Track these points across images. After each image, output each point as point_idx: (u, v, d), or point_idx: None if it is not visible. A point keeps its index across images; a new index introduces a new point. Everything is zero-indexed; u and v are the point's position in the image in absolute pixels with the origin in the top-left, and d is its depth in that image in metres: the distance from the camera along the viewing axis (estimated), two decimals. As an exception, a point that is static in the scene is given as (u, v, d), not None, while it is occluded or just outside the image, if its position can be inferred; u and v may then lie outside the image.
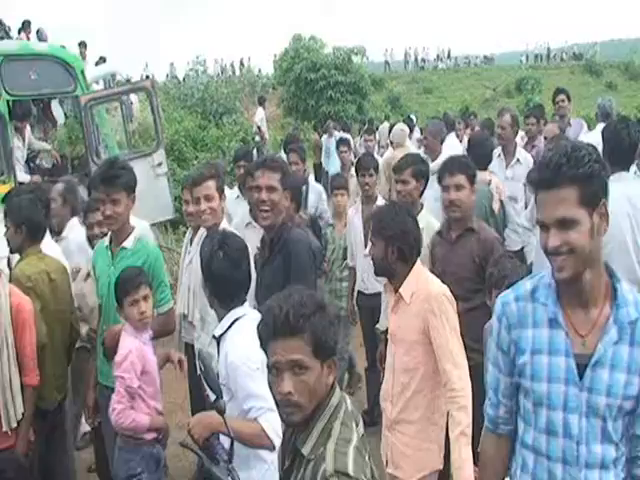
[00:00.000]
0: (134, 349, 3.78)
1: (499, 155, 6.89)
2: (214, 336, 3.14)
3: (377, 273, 3.65)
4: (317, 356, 2.11)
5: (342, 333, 5.93)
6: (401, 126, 9.98)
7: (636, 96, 31.45)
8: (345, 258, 6.23)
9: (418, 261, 3.55)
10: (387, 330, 3.79)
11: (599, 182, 2.14)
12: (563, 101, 8.50)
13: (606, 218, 2.16)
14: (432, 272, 4.33)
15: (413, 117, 19.42)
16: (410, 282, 3.46)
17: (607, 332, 2.19)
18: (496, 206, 5.47)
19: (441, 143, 7.26)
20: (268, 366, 2.15)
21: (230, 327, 3.07)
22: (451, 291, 3.59)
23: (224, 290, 3.11)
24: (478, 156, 5.69)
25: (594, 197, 2.13)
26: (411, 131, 13.52)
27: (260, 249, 4.06)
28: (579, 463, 2.27)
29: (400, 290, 3.47)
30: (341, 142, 9.69)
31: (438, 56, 50.65)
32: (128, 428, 3.75)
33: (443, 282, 4.19)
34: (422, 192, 5.01)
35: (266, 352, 2.15)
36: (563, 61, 48.56)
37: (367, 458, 2.17)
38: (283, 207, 3.94)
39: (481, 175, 5.38)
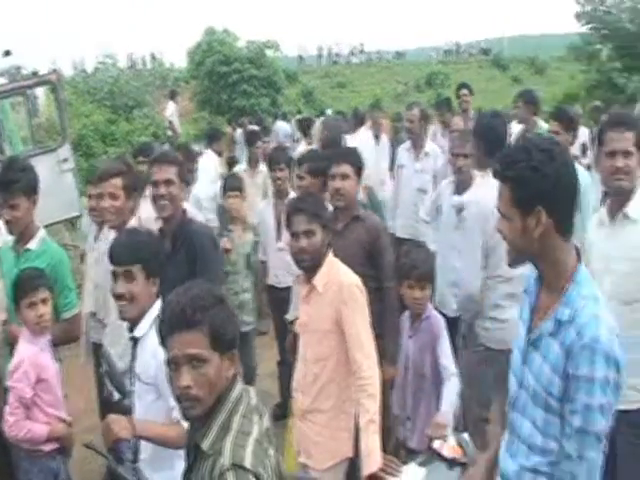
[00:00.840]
0: (27, 357, 3.66)
1: (408, 149, 7.02)
2: (134, 337, 3.07)
3: (306, 265, 3.55)
4: (216, 349, 2.11)
5: (251, 350, 5.89)
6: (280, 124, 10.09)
7: (540, 90, 32.48)
8: (249, 267, 5.96)
9: (330, 251, 3.58)
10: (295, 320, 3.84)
11: (530, 188, 2.18)
12: (466, 95, 8.71)
13: (543, 225, 2.20)
14: None
15: (329, 112, 19.51)
16: (323, 272, 3.49)
17: (546, 321, 2.27)
18: (361, 195, 5.65)
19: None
20: (167, 361, 2.13)
21: (152, 326, 3.02)
22: None
23: None
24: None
25: (526, 201, 2.19)
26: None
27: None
28: (514, 430, 2.39)
29: (314, 280, 3.49)
30: (253, 135, 9.26)
31: (352, 51, 51.05)
32: (24, 440, 3.63)
33: None
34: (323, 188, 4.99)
35: (166, 347, 2.14)
36: (472, 56, 49.62)
37: (271, 451, 2.18)
38: (181, 199, 4.01)
39: None
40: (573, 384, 2.16)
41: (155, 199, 3.94)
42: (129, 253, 3.08)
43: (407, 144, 7.10)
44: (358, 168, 4.46)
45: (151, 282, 3.10)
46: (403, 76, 41.21)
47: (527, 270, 2.48)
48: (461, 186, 4.84)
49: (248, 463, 2.01)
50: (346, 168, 4.39)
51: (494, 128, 4.54)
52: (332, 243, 4.31)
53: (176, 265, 3.72)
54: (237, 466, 2.00)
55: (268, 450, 2.16)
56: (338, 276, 3.48)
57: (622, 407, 3.25)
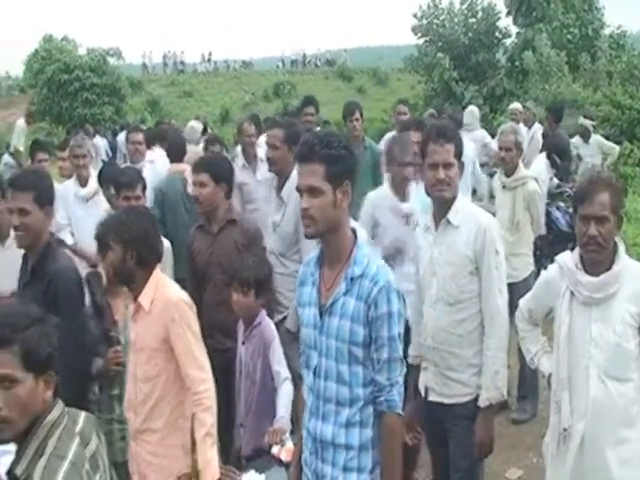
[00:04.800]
0: None
1: (243, 165, 6.94)
2: None
3: (116, 280, 3.56)
4: (29, 370, 2.06)
5: None
6: (192, 123, 10.06)
7: (383, 100, 33.63)
8: None
9: (157, 267, 3.50)
10: None
11: (343, 165, 2.59)
12: (312, 115, 7.69)
13: (349, 196, 2.63)
14: (193, 264, 4.50)
15: (174, 121, 19.24)
16: (148, 290, 3.41)
17: (339, 285, 2.64)
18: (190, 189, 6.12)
19: None
20: None
21: None
22: (219, 279, 4.15)
23: None
24: (173, 152, 6.67)
25: (338, 175, 2.58)
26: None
27: (22, 268, 3.78)
28: (319, 396, 2.70)
29: (139, 298, 3.41)
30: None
31: (203, 58, 50.75)
32: None
33: (209, 272, 4.35)
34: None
35: None
36: (317, 67, 50.71)
37: (97, 476, 2.15)
38: (41, 227, 3.69)
39: (178, 167, 6.49)
40: (376, 324, 2.58)
41: (14, 228, 3.69)
42: None
43: (242, 159, 6.79)
44: (217, 175, 4.53)
45: None
46: (250, 85, 41.43)
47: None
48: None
49: None
50: (204, 177, 4.51)
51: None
52: (210, 246, 4.46)
53: (32, 297, 3.45)
54: None
55: (91, 475, 2.11)
56: (165, 293, 3.41)
57: (451, 401, 3.48)
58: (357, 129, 7.11)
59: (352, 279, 2.61)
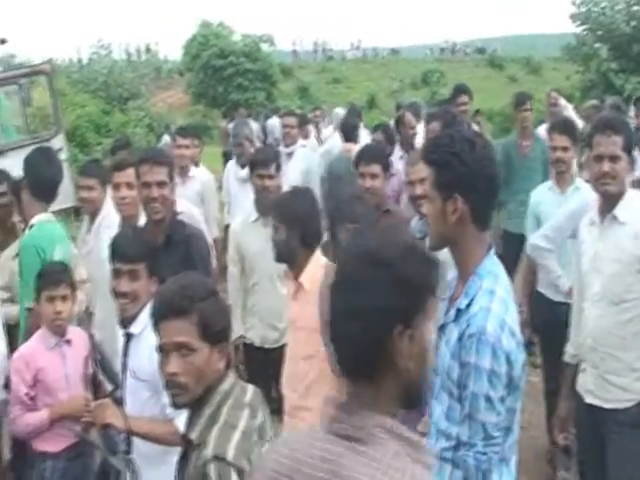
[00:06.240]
0: (21, 354, 3.48)
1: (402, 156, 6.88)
2: (129, 333, 3.03)
3: (278, 259, 3.66)
4: (205, 340, 2.14)
5: None
6: (337, 110, 10.26)
7: (537, 89, 32.52)
8: None
9: (318, 249, 3.58)
10: None
11: (450, 173, 2.23)
12: (465, 103, 7.16)
13: (459, 211, 2.24)
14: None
15: (324, 107, 19.49)
16: (310, 270, 3.49)
17: (452, 308, 2.33)
18: None
19: None
20: (157, 347, 2.16)
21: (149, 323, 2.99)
22: None
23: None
24: (345, 131, 6.88)
25: (445, 186, 2.24)
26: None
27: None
28: (431, 414, 2.42)
29: (300, 278, 3.50)
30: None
31: (352, 46, 51.24)
32: (27, 432, 3.43)
33: None
34: None
35: (157, 333, 2.17)
36: (467, 55, 49.75)
37: (262, 447, 2.17)
38: (174, 201, 3.95)
39: (347, 146, 6.64)
40: (464, 371, 2.21)
41: (146, 201, 3.82)
42: (136, 251, 3.03)
43: (400, 151, 6.66)
44: (386, 166, 4.58)
45: (152, 281, 3.05)
46: (398, 73, 41.27)
47: None
48: None
49: (230, 456, 2.01)
50: (375, 168, 4.49)
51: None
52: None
53: (171, 267, 3.63)
54: (219, 458, 2.00)
55: (259, 446, 2.15)
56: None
57: (610, 406, 3.35)
58: (528, 120, 6.81)
59: (459, 310, 2.28)
